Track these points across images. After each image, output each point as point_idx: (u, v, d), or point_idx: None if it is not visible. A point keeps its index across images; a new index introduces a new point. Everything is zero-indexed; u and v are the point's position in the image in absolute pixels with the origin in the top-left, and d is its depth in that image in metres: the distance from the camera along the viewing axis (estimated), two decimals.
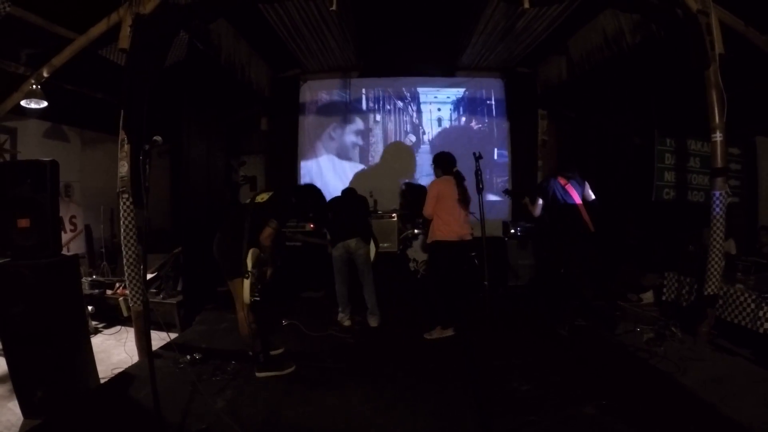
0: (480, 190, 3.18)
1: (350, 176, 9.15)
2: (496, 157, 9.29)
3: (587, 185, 5.44)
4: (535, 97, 9.17)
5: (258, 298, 3.96)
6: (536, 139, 9.32)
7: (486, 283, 3.14)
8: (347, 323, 5.66)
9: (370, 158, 9.32)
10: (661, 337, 4.96)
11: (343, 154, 9.23)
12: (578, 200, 5.30)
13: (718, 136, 4.87)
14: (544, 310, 6.14)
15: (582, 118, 8.78)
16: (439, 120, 9.34)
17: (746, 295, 4.66)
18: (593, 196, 5.45)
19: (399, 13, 6.80)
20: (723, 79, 4.81)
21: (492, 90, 9.32)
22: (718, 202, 4.85)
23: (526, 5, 4.84)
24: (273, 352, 4.45)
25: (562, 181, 5.34)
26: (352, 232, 5.60)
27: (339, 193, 6.11)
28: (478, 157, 3.31)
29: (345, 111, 9.27)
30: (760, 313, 4.39)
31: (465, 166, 5.12)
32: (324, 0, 5.03)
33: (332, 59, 8.47)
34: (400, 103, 9.29)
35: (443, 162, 5.33)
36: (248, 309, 4.02)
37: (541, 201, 5.41)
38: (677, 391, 3.80)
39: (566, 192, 5.29)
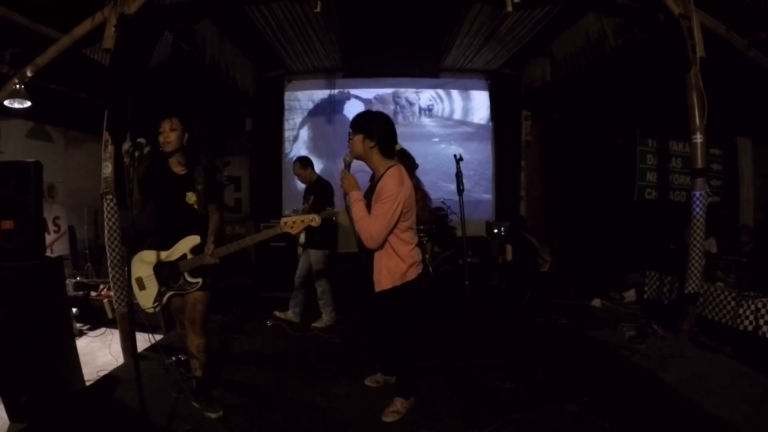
0: (461, 192, 3.17)
1: (335, 177, 9.05)
2: (479, 158, 9.36)
3: None
4: (519, 98, 9.21)
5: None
6: (520, 140, 9.39)
7: (467, 282, 3.14)
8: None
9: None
10: (643, 334, 5.05)
11: (327, 155, 9.18)
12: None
13: (698, 138, 4.95)
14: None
15: (565, 119, 8.87)
16: (423, 120, 9.38)
17: (726, 293, 4.74)
18: None
19: (384, 14, 6.83)
20: (704, 81, 4.89)
21: (476, 91, 9.38)
22: (698, 202, 4.93)
23: (509, 9, 4.88)
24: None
25: None
26: None
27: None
28: (459, 159, 3.29)
29: (329, 111, 9.27)
30: (740, 311, 4.47)
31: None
32: (309, 1, 5.01)
33: (317, 60, 8.47)
34: (384, 104, 9.26)
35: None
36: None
37: None
38: (659, 388, 3.86)
39: None
